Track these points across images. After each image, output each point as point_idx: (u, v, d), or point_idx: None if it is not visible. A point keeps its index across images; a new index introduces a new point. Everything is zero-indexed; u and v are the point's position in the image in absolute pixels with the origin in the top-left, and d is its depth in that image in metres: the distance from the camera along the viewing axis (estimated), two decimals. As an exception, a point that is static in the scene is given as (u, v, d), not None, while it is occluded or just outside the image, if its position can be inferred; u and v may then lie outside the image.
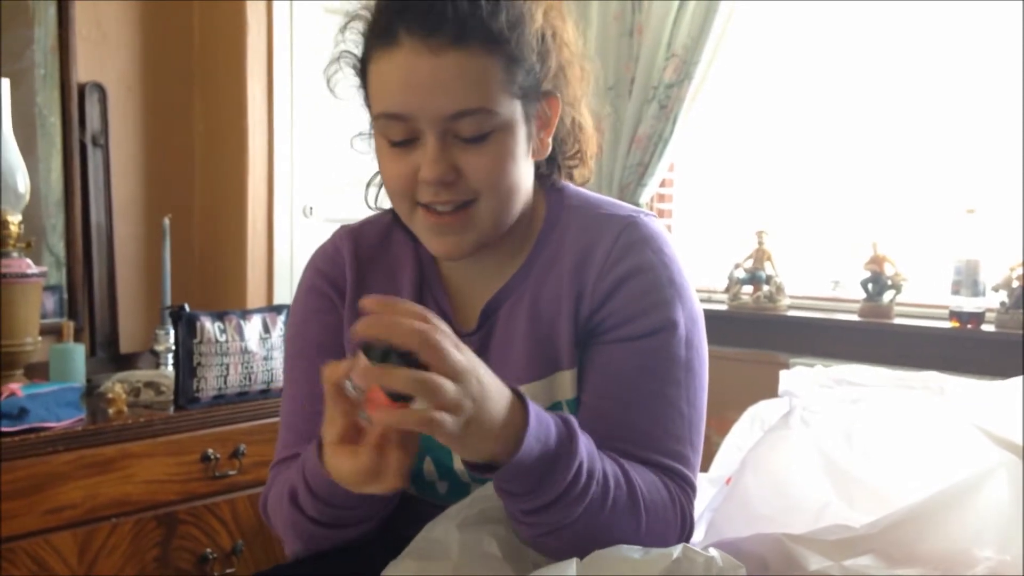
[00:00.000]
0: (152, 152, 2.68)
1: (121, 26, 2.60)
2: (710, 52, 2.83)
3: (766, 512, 1.23)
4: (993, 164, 2.61)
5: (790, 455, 1.28)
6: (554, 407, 1.12)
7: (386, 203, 1.20)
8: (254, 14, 2.59)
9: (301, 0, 2.66)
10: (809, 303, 2.93)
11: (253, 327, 2.29)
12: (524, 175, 1.11)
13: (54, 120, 2.46)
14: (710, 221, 3.21)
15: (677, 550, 0.98)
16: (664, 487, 1.07)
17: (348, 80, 1.16)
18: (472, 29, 1.02)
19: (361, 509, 1.06)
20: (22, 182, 2.18)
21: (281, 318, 2.34)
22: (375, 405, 0.88)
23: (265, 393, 2.30)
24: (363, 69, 1.11)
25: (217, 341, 2.21)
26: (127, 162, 2.63)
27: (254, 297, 2.63)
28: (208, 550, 2.18)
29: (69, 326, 2.30)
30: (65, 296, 2.48)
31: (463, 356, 0.89)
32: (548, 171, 1.20)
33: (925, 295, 2.70)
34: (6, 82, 2.19)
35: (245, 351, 2.26)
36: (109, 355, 2.55)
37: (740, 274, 2.95)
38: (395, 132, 1.06)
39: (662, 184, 3.13)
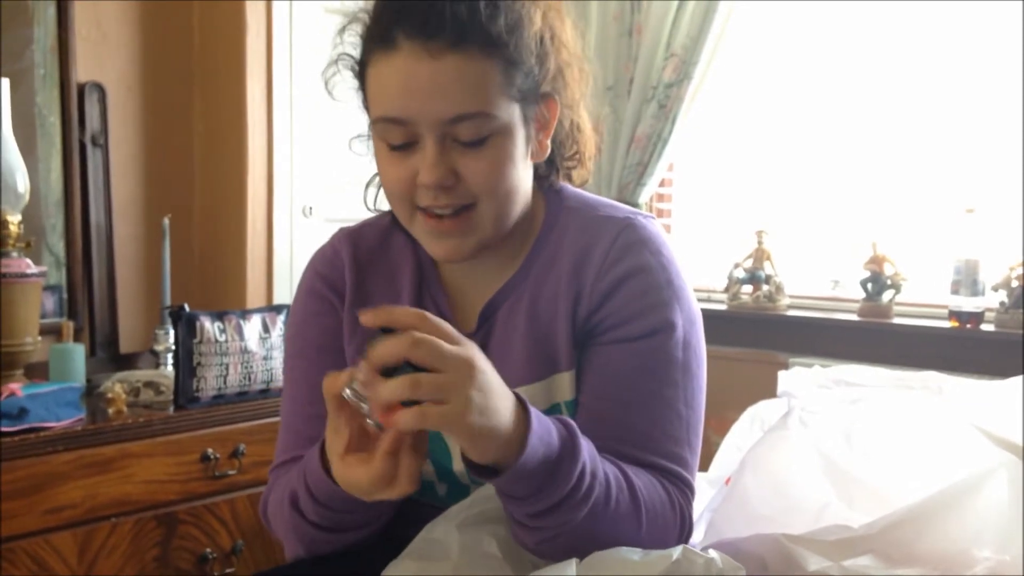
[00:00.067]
0: (152, 152, 2.68)
1: (121, 26, 2.60)
2: (709, 52, 2.83)
3: (765, 512, 1.23)
4: (993, 164, 2.61)
5: (789, 455, 1.28)
6: (553, 409, 1.12)
7: (384, 204, 1.20)
8: (254, 14, 2.59)
9: (301, 0, 2.66)
10: (808, 303, 2.93)
11: (253, 327, 2.29)
12: (523, 178, 1.11)
13: (54, 120, 2.46)
14: (709, 221, 3.21)
15: (677, 551, 0.98)
16: (663, 489, 1.07)
17: (346, 82, 1.15)
18: (471, 33, 1.02)
19: (364, 514, 1.06)
20: (22, 182, 2.18)
21: (281, 318, 2.34)
22: (389, 411, 0.88)
23: (265, 393, 2.30)
24: (361, 72, 1.11)
25: (217, 341, 2.22)
26: (127, 162, 2.63)
27: (254, 297, 2.63)
28: (208, 550, 2.18)
29: (69, 326, 2.30)
30: (65, 296, 2.48)
31: (460, 348, 0.89)
32: (546, 173, 1.20)
33: (924, 295, 2.70)
34: (6, 82, 2.19)
35: (245, 351, 2.26)
36: (109, 355, 2.55)
37: (739, 274, 2.95)
38: (394, 136, 1.06)
39: (661, 184, 3.13)
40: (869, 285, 2.70)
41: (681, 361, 1.11)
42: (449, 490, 1.17)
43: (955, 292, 2.51)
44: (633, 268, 1.12)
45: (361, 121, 1.16)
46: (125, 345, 2.59)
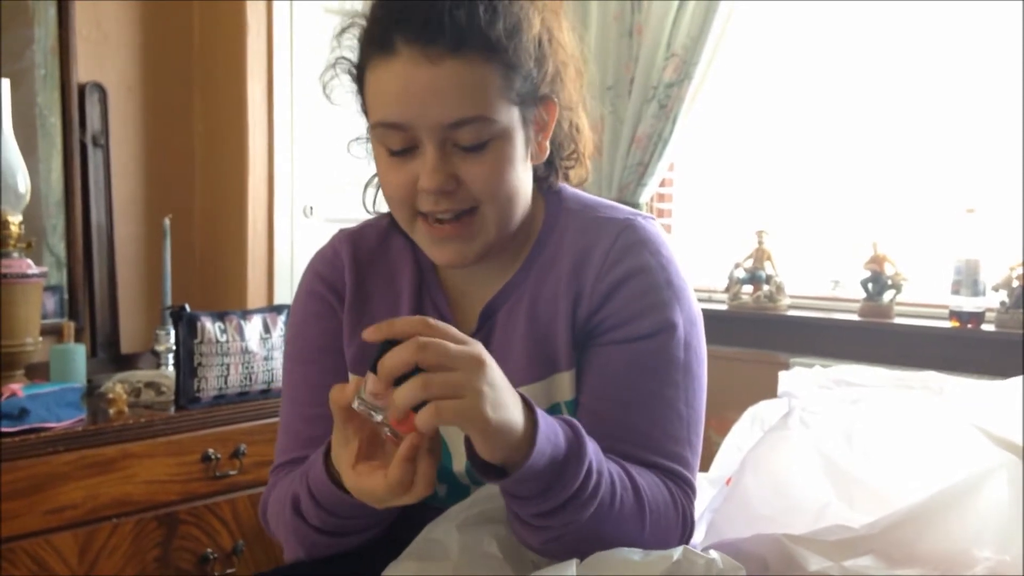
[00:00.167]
0: (152, 152, 2.68)
1: (121, 26, 2.60)
2: (710, 52, 2.83)
3: (766, 512, 1.23)
4: (993, 164, 2.61)
5: (790, 456, 1.28)
6: (553, 409, 1.13)
7: (383, 206, 1.20)
8: (254, 14, 2.59)
9: (301, 0, 2.66)
10: (809, 303, 2.93)
11: (254, 327, 2.29)
12: (524, 181, 1.11)
13: (54, 120, 2.46)
14: (710, 221, 3.21)
15: (677, 552, 0.98)
16: (665, 488, 1.07)
17: (345, 84, 1.15)
18: (470, 38, 1.02)
19: (367, 519, 1.06)
20: (22, 182, 2.18)
21: (281, 318, 2.34)
22: (408, 420, 0.88)
23: (266, 393, 2.30)
24: (359, 77, 1.10)
25: (218, 341, 2.22)
26: (127, 162, 2.63)
27: (254, 297, 2.63)
28: (209, 550, 2.18)
29: (70, 326, 2.30)
30: (66, 296, 2.48)
31: (467, 347, 0.89)
32: (545, 174, 1.20)
33: (925, 295, 2.70)
34: (6, 82, 2.19)
35: (246, 351, 2.26)
36: (110, 355, 2.55)
37: (740, 274, 2.95)
38: (393, 141, 1.06)
39: (662, 184, 3.13)
40: (870, 285, 2.70)
41: (682, 361, 1.11)
42: (449, 491, 1.17)
43: (956, 292, 2.51)
44: (633, 269, 1.12)
45: (361, 123, 1.16)
46: (126, 345, 2.59)
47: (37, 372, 2.22)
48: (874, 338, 2.68)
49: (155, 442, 2.11)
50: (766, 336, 2.88)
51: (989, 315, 2.49)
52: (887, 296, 2.69)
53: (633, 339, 1.10)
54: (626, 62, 3.02)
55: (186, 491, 2.15)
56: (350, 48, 1.12)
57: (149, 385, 2.25)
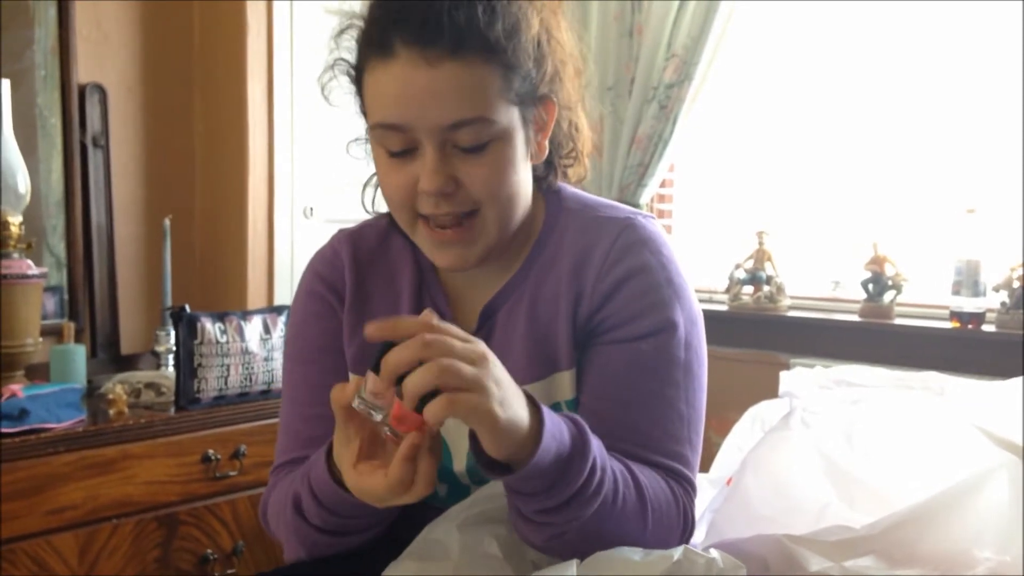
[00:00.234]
0: (152, 153, 2.68)
1: (121, 27, 2.60)
2: (710, 52, 2.83)
3: (767, 513, 1.23)
4: (993, 164, 2.61)
5: (791, 456, 1.28)
6: (553, 408, 1.12)
7: (382, 206, 1.20)
8: (254, 15, 2.59)
9: (301, 0, 2.66)
10: (809, 303, 2.93)
11: (254, 328, 2.29)
12: (524, 181, 1.11)
13: (54, 121, 2.46)
14: (710, 221, 3.21)
15: (678, 551, 0.98)
16: (667, 486, 1.07)
17: (344, 85, 1.15)
18: (469, 40, 1.02)
19: (369, 518, 1.06)
20: (23, 183, 2.18)
21: (282, 319, 2.34)
22: (408, 419, 0.88)
23: (266, 394, 2.30)
24: (358, 78, 1.10)
25: (218, 342, 2.22)
26: (128, 163, 2.63)
27: (255, 298, 2.63)
28: (209, 551, 2.18)
29: (70, 327, 2.30)
30: (66, 297, 2.48)
31: (472, 345, 0.89)
32: (545, 173, 1.20)
33: (926, 295, 2.70)
34: (7, 83, 2.20)
35: (246, 352, 2.26)
36: (110, 356, 2.55)
37: (740, 274, 2.95)
38: (393, 142, 1.05)
39: (662, 184, 3.13)
40: (870, 286, 2.70)
41: (683, 360, 1.11)
42: (450, 490, 1.17)
43: (956, 293, 2.51)
44: (634, 268, 1.12)
45: (361, 124, 1.16)
46: (126, 346, 2.59)
47: (37, 373, 2.22)
48: (875, 339, 2.68)
49: (155, 443, 2.11)
50: (766, 337, 2.88)
51: (989, 316, 2.49)
52: (887, 297, 2.69)
53: (634, 338, 1.10)
54: (626, 62, 3.02)
55: (186, 492, 2.15)
56: (348, 49, 1.12)
57: (149, 386, 2.25)
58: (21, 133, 2.26)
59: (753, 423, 1.62)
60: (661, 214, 3.25)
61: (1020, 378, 1.37)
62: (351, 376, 1.17)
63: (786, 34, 2.96)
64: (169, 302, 2.43)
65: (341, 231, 1.26)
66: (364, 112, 1.11)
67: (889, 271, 2.68)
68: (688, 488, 1.10)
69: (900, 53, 2.75)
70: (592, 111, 1.26)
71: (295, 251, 2.69)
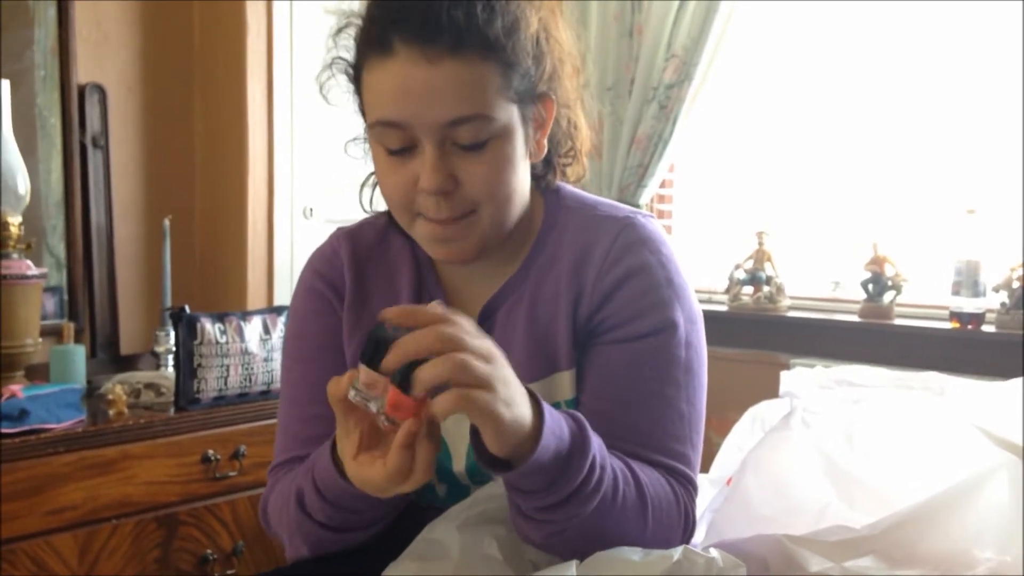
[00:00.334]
0: (152, 153, 2.68)
1: (121, 27, 2.60)
2: (710, 52, 2.83)
3: (767, 513, 1.23)
4: (993, 164, 2.61)
5: (791, 456, 1.28)
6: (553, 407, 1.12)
7: (380, 205, 1.20)
8: (254, 15, 2.59)
9: (301, 0, 2.66)
10: (809, 304, 2.93)
11: (253, 328, 2.29)
12: (522, 179, 1.11)
13: (54, 121, 2.46)
14: (710, 222, 3.21)
15: (678, 551, 0.98)
16: (668, 485, 1.07)
17: (342, 85, 1.15)
18: (468, 37, 1.02)
19: (372, 513, 1.06)
20: (22, 183, 2.18)
21: (281, 319, 2.34)
22: (403, 406, 0.88)
23: (265, 394, 2.30)
24: (357, 76, 1.10)
25: (217, 342, 2.22)
26: (127, 163, 2.63)
27: (254, 298, 2.63)
28: (209, 551, 2.18)
29: (69, 327, 2.30)
30: (65, 297, 2.48)
31: (485, 343, 0.90)
32: (544, 172, 1.20)
33: (925, 296, 2.70)
34: (6, 83, 2.20)
35: (245, 352, 2.26)
36: (109, 356, 2.55)
37: (740, 275, 2.95)
38: (392, 140, 1.05)
39: (662, 185, 3.13)
40: (870, 286, 2.70)
41: (683, 360, 1.11)
42: (449, 490, 1.17)
43: (956, 293, 2.51)
44: (633, 267, 1.12)
45: (360, 124, 1.16)
46: (126, 346, 2.59)
47: (37, 373, 2.22)
48: (874, 339, 2.68)
49: (155, 443, 2.11)
50: (766, 337, 2.88)
51: (989, 316, 2.49)
52: (887, 297, 2.69)
53: (634, 338, 1.10)
54: (626, 62, 3.02)
55: (186, 492, 2.15)
56: (346, 48, 1.12)
57: (149, 386, 2.25)
58: (21, 133, 2.26)
59: (753, 423, 1.62)
60: (661, 214, 3.25)
61: (1020, 378, 1.37)
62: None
63: (786, 34, 2.96)
64: (169, 302, 2.43)
65: (340, 229, 1.26)
66: (363, 111, 1.11)
67: (889, 271, 2.68)
68: (689, 487, 1.10)
69: (900, 53, 2.75)
70: (591, 111, 1.26)
71: (295, 251, 2.69)
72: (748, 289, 2.94)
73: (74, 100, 2.47)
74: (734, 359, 2.86)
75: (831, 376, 1.57)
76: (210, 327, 2.21)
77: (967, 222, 2.49)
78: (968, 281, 2.49)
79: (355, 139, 1.19)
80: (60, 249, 2.48)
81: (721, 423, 1.86)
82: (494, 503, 1.05)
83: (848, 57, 2.84)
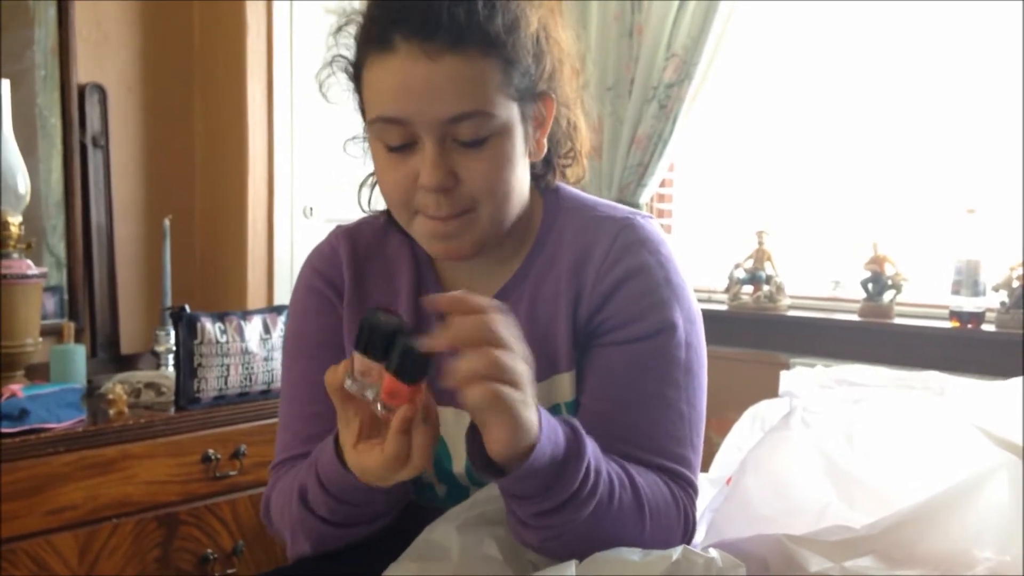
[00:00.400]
0: (152, 153, 2.68)
1: (121, 27, 2.60)
2: (710, 52, 2.83)
3: (767, 513, 1.23)
4: (993, 164, 2.61)
5: (791, 456, 1.28)
6: (553, 410, 1.12)
7: (379, 206, 1.20)
8: (254, 14, 2.59)
9: (301, 0, 2.66)
10: (809, 303, 2.93)
11: (254, 328, 2.29)
12: (522, 178, 1.11)
13: (54, 121, 2.46)
14: (710, 221, 3.21)
15: (677, 551, 0.98)
16: (666, 488, 1.07)
17: (342, 83, 1.15)
18: (469, 34, 1.02)
19: (375, 507, 1.06)
20: (22, 183, 2.18)
21: (281, 319, 2.34)
22: (399, 393, 0.89)
23: (266, 394, 2.30)
24: (357, 74, 1.10)
25: (218, 342, 2.22)
26: (127, 163, 2.63)
27: (254, 298, 2.63)
28: (209, 551, 2.18)
29: (70, 327, 2.30)
30: (66, 297, 2.48)
31: (521, 341, 0.91)
32: (543, 172, 1.20)
33: (925, 295, 2.70)
34: (6, 83, 2.20)
35: (246, 352, 2.26)
36: (110, 356, 2.55)
37: (740, 274, 2.95)
38: (392, 137, 1.05)
39: (662, 184, 3.13)
40: (870, 285, 2.70)
41: (682, 361, 1.11)
42: (448, 491, 1.17)
43: (956, 292, 2.51)
44: (633, 268, 1.12)
45: (360, 123, 1.16)
46: (126, 346, 2.59)
47: (37, 373, 2.22)
48: (874, 338, 2.68)
49: (155, 443, 2.11)
50: (766, 336, 2.88)
51: (989, 315, 2.49)
52: (887, 296, 2.69)
53: (633, 340, 1.10)
54: (626, 62, 3.02)
55: (186, 492, 2.15)
56: (347, 47, 1.12)
57: (149, 386, 2.25)
58: (21, 133, 2.26)
59: (753, 423, 1.62)
60: (661, 214, 3.25)
61: (1020, 378, 1.37)
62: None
63: (786, 34, 2.96)
64: (169, 302, 2.43)
65: (339, 227, 1.26)
66: (362, 109, 1.11)
67: (889, 271, 2.68)
68: (689, 490, 1.10)
69: (900, 53, 2.75)
70: (591, 112, 1.26)
71: (295, 251, 2.69)
72: (748, 288, 2.94)
73: (74, 100, 2.47)
74: (734, 358, 2.86)
75: (831, 376, 1.58)
76: (210, 327, 2.21)
77: (967, 221, 2.49)
78: (968, 280, 2.49)
79: (354, 138, 1.19)
80: (60, 249, 2.48)
81: (721, 423, 1.86)
82: (494, 504, 1.05)
83: (848, 57, 2.84)
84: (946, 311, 2.55)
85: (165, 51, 2.68)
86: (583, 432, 0.99)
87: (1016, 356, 2.31)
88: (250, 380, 2.27)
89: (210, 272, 2.74)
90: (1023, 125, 2.50)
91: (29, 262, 2.15)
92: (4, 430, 1.90)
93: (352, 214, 1.31)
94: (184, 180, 2.74)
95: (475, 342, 0.88)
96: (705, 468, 1.48)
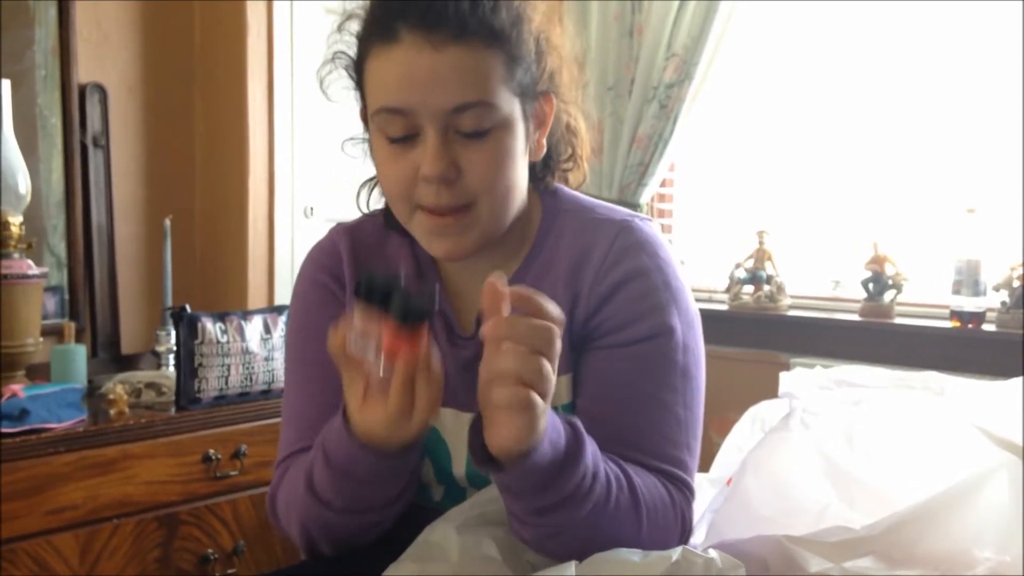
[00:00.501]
0: (153, 153, 2.68)
1: (122, 27, 2.60)
2: (710, 52, 2.83)
3: (767, 513, 1.23)
4: (993, 164, 2.61)
5: (791, 456, 1.28)
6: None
7: (378, 207, 1.20)
8: (254, 15, 2.59)
9: (301, 0, 2.66)
10: (810, 303, 2.93)
11: (254, 328, 2.29)
12: (521, 175, 1.11)
13: (55, 121, 2.46)
14: (711, 221, 3.21)
15: (676, 552, 0.98)
16: (664, 490, 1.07)
17: (343, 82, 1.15)
18: (473, 25, 1.03)
19: (381, 486, 1.03)
20: (23, 183, 2.18)
21: (282, 319, 2.34)
22: (397, 347, 0.89)
23: (266, 394, 2.30)
24: (359, 68, 1.10)
25: (218, 342, 2.22)
26: (128, 163, 2.63)
27: (255, 298, 2.64)
28: (209, 551, 2.18)
29: (70, 327, 2.30)
30: (66, 297, 2.48)
31: (559, 348, 0.92)
32: (543, 174, 1.20)
33: (926, 295, 2.70)
34: (7, 83, 2.20)
35: (246, 352, 2.26)
36: (110, 356, 2.55)
37: (741, 274, 2.95)
38: (395, 128, 1.05)
39: (662, 184, 3.13)
40: (870, 285, 2.70)
41: (680, 364, 1.11)
42: (446, 493, 1.17)
43: (956, 292, 2.51)
44: (631, 271, 1.12)
45: (360, 124, 1.16)
46: (126, 346, 2.59)
47: (38, 373, 2.22)
48: (875, 338, 2.68)
49: (156, 443, 2.11)
50: (767, 336, 2.88)
51: (990, 315, 2.49)
52: (888, 296, 2.69)
53: (631, 342, 1.10)
54: (626, 62, 3.02)
55: (187, 492, 2.15)
56: (348, 44, 1.12)
57: (150, 386, 2.25)
58: (21, 133, 2.26)
59: (753, 423, 1.62)
60: (661, 213, 3.25)
61: (1020, 378, 1.37)
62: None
63: (786, 34, 2.96)
64: (170, 302, 2.43)
65: (339, 224, 1.26)
66: (364, 104, 1.11)
67: (889, 270, 2.68)
68: (686, 493, 1.10)
69: (900, 53, 2.75)
70: (591, 114, 1.26)
71: (295, 251, 2.69)
72: (748, 288, 2.94)
73: (75, 100, 2.47)
74: (734, 358, 2.86)
75: (831, 377, 1.57)
76: (211, 326, 2.21)
77: (967, 221, 2.49)
78: (968, 280, 2.49)
79: (352, 139, 1.19)
80: (61, 249, 2.48)
81: (721, 423, 1.86)
82: (493, 505, 1.05)
83: (848, 57, 2.84)
84: (947, 311, 2.55)
85: (166, 51, 2.68)
86: (584, 432, 0.99)
87: (1017, 356, 2.31)
88: (251, 380, 2.27)
89: (211, 272, 2.74)
90: (1023, 125, 2.49)
91: (30, 262, 2.15)
92: (4, 430, 1.90)
93: (353, 214, 1.31)
94: (185, 180, 2.75)
95: (529, 344, 0.88)
96: (705, 469, 1.48)
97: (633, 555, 0.99)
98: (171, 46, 2.69)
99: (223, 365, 2.22)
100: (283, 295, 2.65)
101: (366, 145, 1.16)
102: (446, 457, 1.15)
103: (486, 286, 0.89)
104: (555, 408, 1.12)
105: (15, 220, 2.14)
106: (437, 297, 0.91)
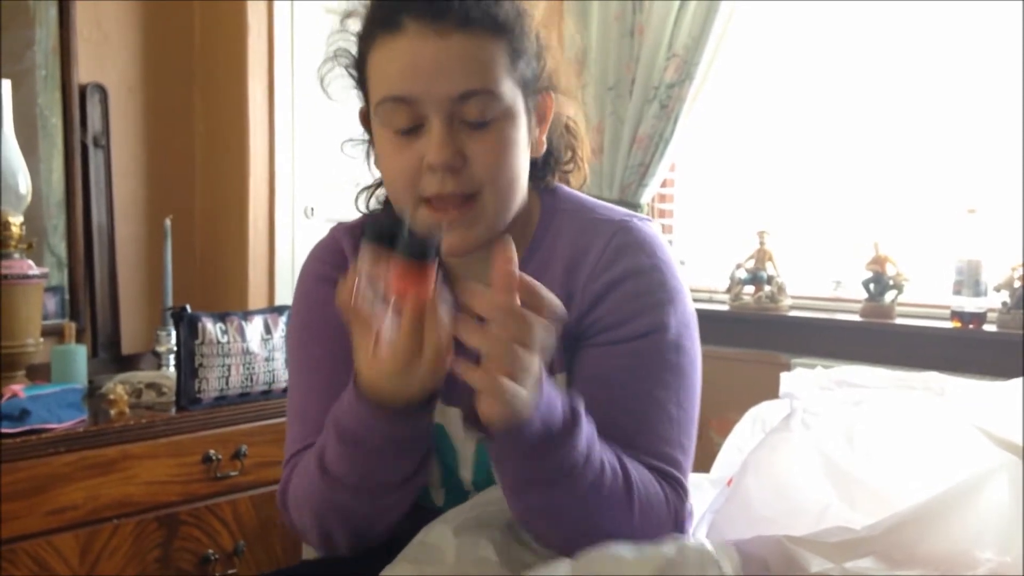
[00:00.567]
0: (153, 153, 2.68)
1: (122, 27, 2.60)
2: (711, 52, 2.83)
3: (767, 514, 1.23)
4: (994, 164, 2.61)
5: (791, 457, 1.28)
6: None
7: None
8: (255, 14, 2.59)
9: (302, 0, 2.66)
10: (811, 303, 2.93)
11: (255, 328, 2.29)
12: (523, 168, 1.12)
13: (55, 121, 2.46)
14: (711, 221, 3.21)
15: (671, 548, 0.98)
16: (658, 484, 1.07)
17: (344, 80, 1.15)
18: (477, 15, 1.04)
19: (392, 460, 1.02)
20: (23, 183, 2.18)
21: (283, 319, 2.34)
22: (405, 288, 0.89)
23: (267, 394, 2.30)
24: (362, 61, 1.10)
25: (219, 342, 2.22)
26: (128, 163, 2.63)
27: (255, 298, 2.63)
28: (210, 551, 2.18)
29: (71, 327, 2.30)
30: (67, 297, 2.48)
31: (551, 340, 0.92)
32: (543, 173, 1.21)
33: (927, 295, 2.70)
34: (7, 83, 2.20)
35: (247, 352, 2.26)
36: (111, 356, 2.55)
37: (741, 274, 2.94)
38: (399, 118, 1.06)
39: (663, 184, 3.13)
40: (871, 285, 2.70)
41: (673, 363, 1.11)
42: (447, 496, 1.17)
43: (957, 292, 2.51)
44: (628, 271, 1.12)
45: (360, 125, 1.16)
46: (127, 346, 2.59)
47: (38, 373, 2.22)
48: (876, 339, 2.68)
49: (156, 443, 2.11)
50: (767, 337, 2.88)
51: (991, 315, 2.49)
52: (889, 296, 2.69)
53: (625, 340, 1.10)
54: (627, 62, 3.02)
55: (187, 492, 2.15)
56: (350, 42, 1.13)
57: (150, 386, 2.25)
58: (22, 133, 2.26)
59: (754, 424, 1.62)
60: (662, 214, 3.25)
61: (1021, 378, 1.37)
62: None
63: (787, 34, 2.95)
64: (170, 302, 2.43)
65: (340, 224, 1.26)
66: (367, 101, 1.11)
67: (890, 271, 2.68)
68: (679, 491, 1.10)
69: (900, 53, 2.75)
70: (592, 113, 1.27)
71: (296, 251, 2.69)
72: (749, 288, 2.94)
73: (75, 100, 2.47)
74: (735, 359, 2.86)
75: (831, 377, 1.57)
76: (211, 327, 2.21)
77: (968, 222, 2.49)
78: (969, 280, 2.49)
79: (351, 140, 1.19)
80: (61, 249, 2.48)
81: (722, 423, 1.86)
82: (491, 507, 1.05)
83: (848, 57, 2.84)
84: (947, 311, 2.55)
85: (166, 51, 2.68)
86: (583, 417, 0.99)
87: (1017, 356, 2.31)
88: (251, 380, 2.27)
89: (211, 272, 2.74)
90: (1023, 125, 2.50)
91: (30, 262, 2.15)
92: (5, 430, 1.90)
93: (353, 214, 1.31)
94: (185, 180, 2.75)
95: (511, 334, 0.88)
96: (706, 469, 1.48)
97: (627, 552, 0.98)
98: (171, 46, 2.69)
99: (223, 365, 2.22)
100: (283, 295, 2.65)
101: (367, 146, 1.15)
102: (453, 459, 1.15)
103: (496, 248, 0.90)
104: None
105: (15, 220, 2.13)
106: (440, 240, 0.92)
